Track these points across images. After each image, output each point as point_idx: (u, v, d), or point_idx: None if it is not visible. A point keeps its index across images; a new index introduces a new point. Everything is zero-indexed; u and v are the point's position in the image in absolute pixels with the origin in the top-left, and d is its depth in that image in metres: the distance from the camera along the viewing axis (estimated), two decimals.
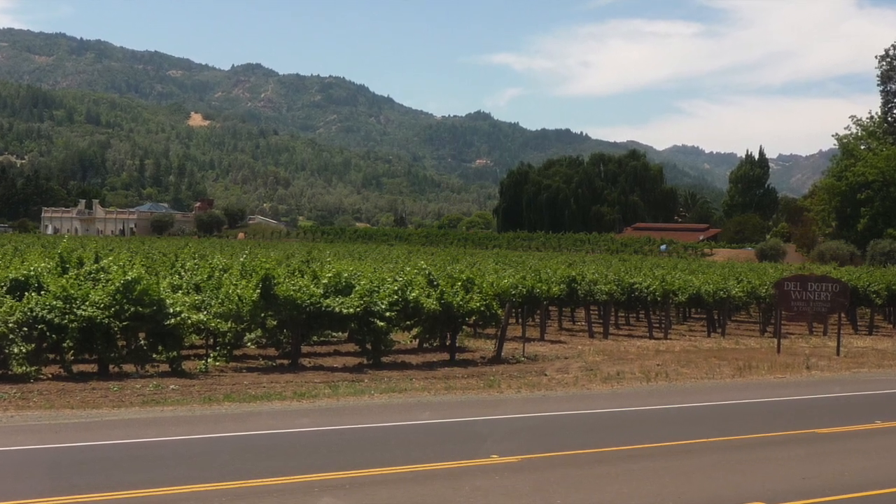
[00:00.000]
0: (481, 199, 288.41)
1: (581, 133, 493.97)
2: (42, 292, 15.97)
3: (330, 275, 19.20)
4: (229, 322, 17.61)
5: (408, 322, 20.00)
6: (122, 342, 16.16)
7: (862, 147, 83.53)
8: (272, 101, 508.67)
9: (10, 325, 14.69)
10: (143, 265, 22.32)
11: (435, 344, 21.30)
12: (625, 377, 18.35)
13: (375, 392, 15.49)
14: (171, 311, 16.16)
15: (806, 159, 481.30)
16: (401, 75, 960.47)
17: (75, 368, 15.78)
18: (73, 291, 15.67)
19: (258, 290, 17.58)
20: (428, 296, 19.85)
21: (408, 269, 23.57)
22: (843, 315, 26.58)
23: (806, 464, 11.01)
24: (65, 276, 17.35)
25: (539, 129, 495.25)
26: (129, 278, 15.87)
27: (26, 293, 15.91)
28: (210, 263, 25.28)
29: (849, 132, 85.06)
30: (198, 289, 20.37)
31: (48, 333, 15.03)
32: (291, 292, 17.73)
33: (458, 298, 19.85)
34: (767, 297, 30.14)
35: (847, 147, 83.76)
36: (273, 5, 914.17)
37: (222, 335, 17.69)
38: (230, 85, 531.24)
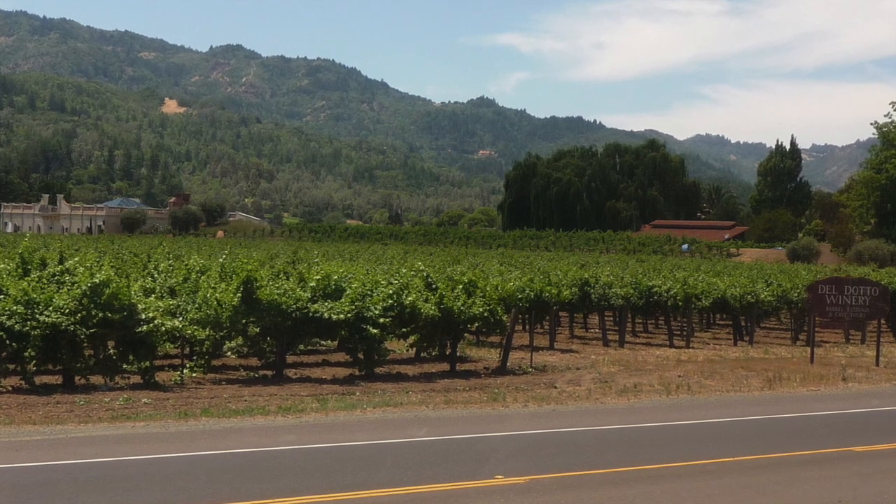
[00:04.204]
0: (485, 193, 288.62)
1: (594, 121, 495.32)
2: (1, 296, 15.99)
3: (318, 277, 19.24)
4: (207, 329, 17.63)
5: (404, 329, 20.04)
6: (90, 351, 16.18)
7: None
8: (254, 86, 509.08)
9: None
10: (112, 266, 22.29)
11: (434, 353, 21.33)
12: (643, 390, 18.39)
13: (368, 406, 15.52)
14: (144, 317, 16.19)
15: (842, 150, 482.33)
16: (396, 57, 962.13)
17: (38, 380, 15.80)
18: (35, 295, 15.70)
19: (239, 294, 17.60)
20: (426, 300, 19.89)
21: (404, 270, 23.60)
22: (882, 321, 26.61)
23: (842, 485, 11.02)
24: (26, 278, 17.40)
25: (548, 116, 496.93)
26: (97, 281, 15.90)
27: None
28: (186, 265, 25.30)
29: (889, 120, 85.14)
30: (172, 293, 20.41)
31: (8, 341, 15.06)
32: (275, 296, 17.75)
33: (459, 303, 19.89)
34: (800, 301, 30.17)
35: (887, 136, 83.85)
36: None
37: (199, 343, 17.72)
38: (208, 68, 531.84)
